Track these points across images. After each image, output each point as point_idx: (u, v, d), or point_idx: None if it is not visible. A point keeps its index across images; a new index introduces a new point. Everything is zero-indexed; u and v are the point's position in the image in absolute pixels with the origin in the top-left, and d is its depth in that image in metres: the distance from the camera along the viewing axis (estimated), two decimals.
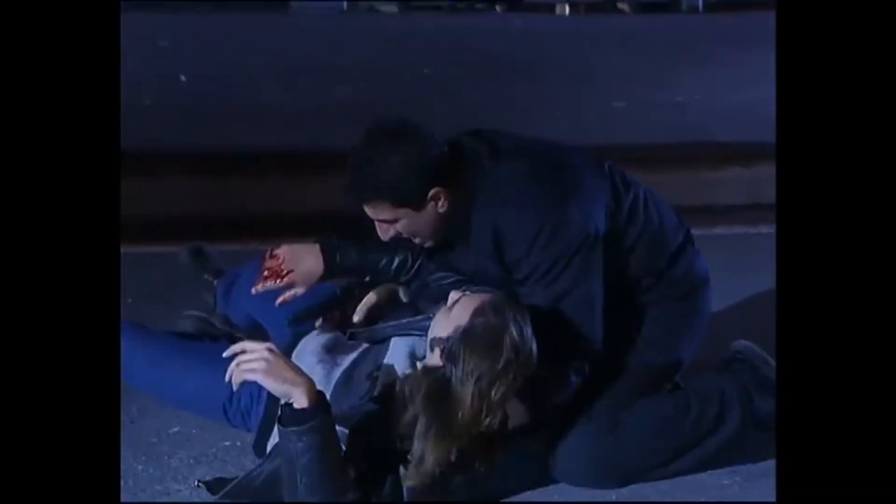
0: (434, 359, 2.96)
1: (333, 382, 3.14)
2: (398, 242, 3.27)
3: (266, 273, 3.38)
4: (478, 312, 2.92)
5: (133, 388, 3.46)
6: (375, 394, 3.01)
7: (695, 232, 3.46)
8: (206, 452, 3.34)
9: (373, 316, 3.38)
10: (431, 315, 3.08)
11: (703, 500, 3.15)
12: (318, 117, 6.43)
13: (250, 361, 2.83)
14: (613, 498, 3.17)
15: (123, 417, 3.45)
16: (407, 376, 2.94)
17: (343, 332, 3.34)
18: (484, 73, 7.38)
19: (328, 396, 2.92)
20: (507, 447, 2.95)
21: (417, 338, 3.13)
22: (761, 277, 4.10)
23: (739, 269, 4.47)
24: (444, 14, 9.95)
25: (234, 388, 2.88)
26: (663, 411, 3.24)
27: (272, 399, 3.13)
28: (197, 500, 3.09)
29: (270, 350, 2.86)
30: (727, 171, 6.04)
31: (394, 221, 3.16)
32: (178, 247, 4.27)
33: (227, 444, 3.37)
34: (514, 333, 2.88)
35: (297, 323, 3.37)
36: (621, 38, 9.20)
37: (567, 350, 3.04)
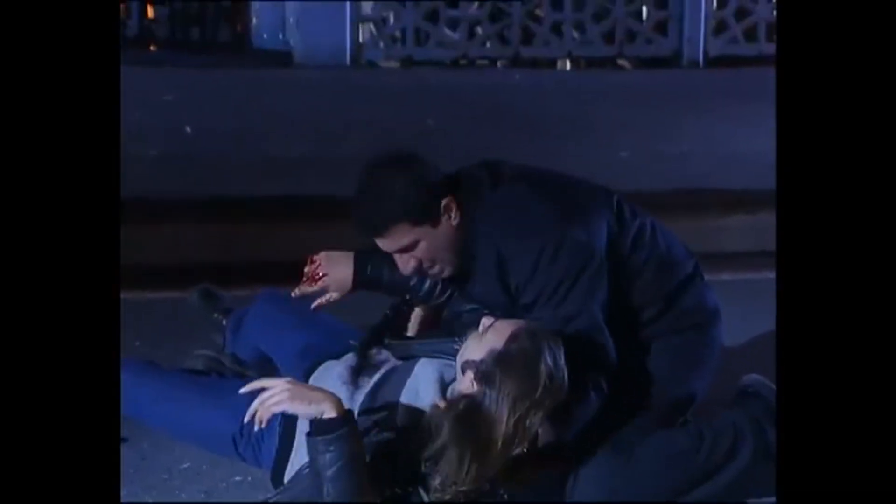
0: (465, 382, 2.96)
1: (358, 405, 3.14)
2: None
3: (305, 278, 3.46)
4: (513, 338, 2.93)
5: (144, 426, 3.47)
6: (398, 422, 3.00)
7: None
8: (217, 487, 3.35)
9: (424, 329, 3.40)
10: (460, 340, 3.08)
11: None
12: (323, 167, 6.45)
13: (273, 395, 2.87)
14: None
15: (134, 454, 3.46)
16: (434, 407, 2.93)
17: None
18: (487, 125, 7.40)
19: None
20: (533, 468, 2.95)
21: (445, 363, 3.13)
22: (768, 321, 4.11)
23: (746, 313, 4.47)
24: (445, 69, 10.02)
25: (260, 426, 2.89)
26: (677, 443, 3.24)
27: (287, 429, 3.14)
28: None
29: (289, 381, 2.91)
30: (732, 218, 6.05)
31: (414, 246, 3.16)
32: (185, 292, 4.31)
33: (237, 479, 3.37)
34: (549, 361, 2.89)
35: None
36: (623, 91, 9.25)
37: (584, 367, 3.05)
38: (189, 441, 3.46)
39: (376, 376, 3.23)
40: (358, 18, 9.93)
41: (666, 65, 10.37)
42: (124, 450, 3.47)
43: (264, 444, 3.29)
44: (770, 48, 10.30)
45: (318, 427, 2.82)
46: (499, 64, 10.49)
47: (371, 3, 10.08)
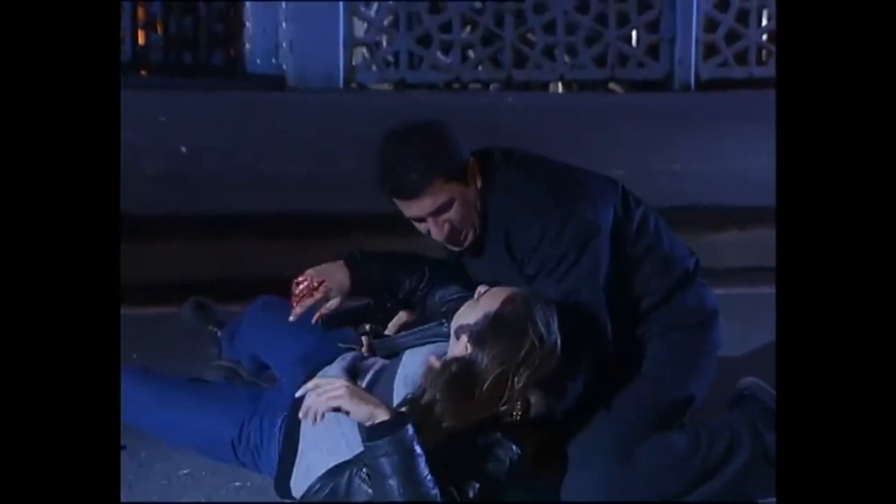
0: (458, 347, 3.00)
1: None
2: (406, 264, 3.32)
3: (297, 296, 3.42)
4: (507, 301, 2.99)
5: (143, 433, 3.47)
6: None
7: None
8: (217, 494, 3.36)
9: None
10: (445, 321, 3.12)
11: None
12: (317, 186, 6.48)
13: (332, 391, 2.90)
14: None
15: (133, 462, 3.47)
16: (428, 367, 2.98)
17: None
18: (480, 144, 7.43)
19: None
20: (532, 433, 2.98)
21: (434, 346, 3.16)
22: (764, 335, 4.14)
23: (741, 328, 4.49)
24: (438, 92, 10.04)
25: (314, 421, 2.92)
26: (674, 446, 3.26)
27: (290, 435, 3.15)
28: None
29: (346, 383, 2.97)
30: (725, 234, 6.08)
31: (450, 206, 3.17)
32: (181, 306, 4.33)
33: (237, 484, 3.38)
34: (540, 323, 2.95)
35: (327, 328, 3.39)
36: (616, 113, 9.29)
37: (580, 343, 3.07)
38: (188, 447, 3.47)
39: (368, 377, 3.25)
40: (351, 42, 9.97)
41: (658, 88, 10.41)
42: (123, 457, 3.47)
43: (263, 450, 3.29)
44: (761, 71, 10.36)
45: (377, 431, 2.85)
46: (491, 87, 10.52)
47: (364, 27, 10.12)
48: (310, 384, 2.98)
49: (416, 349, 3.20)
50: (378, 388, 3.17)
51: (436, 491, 2.84)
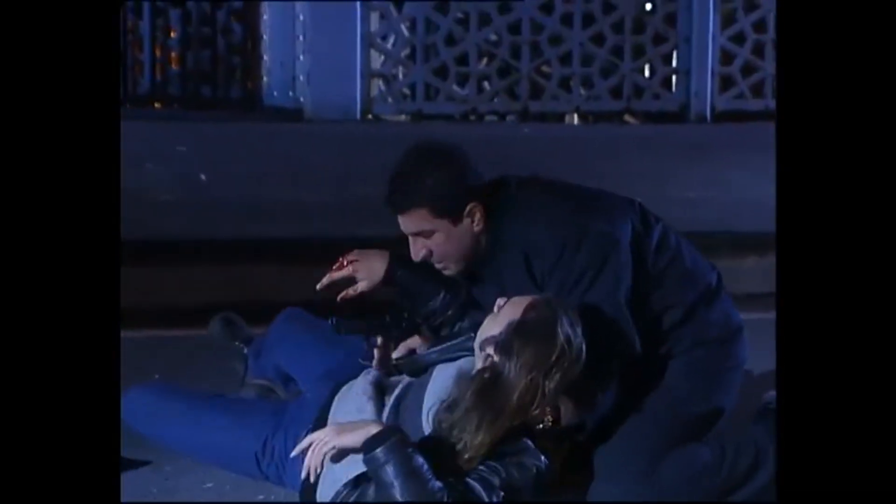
0: (484, 360, 3.00)
1: (385, 419, 3.17)
2: (444, 283, 3.34)
3: (334, 268, 3.50)
4: (530, 307, 2.99)
5: (166, 448, 3.49)
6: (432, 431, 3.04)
7: None
8: None
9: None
10: (472, 335, 3.12)
11: None
12: (335, 212, 6.51)
13: (321, 440, 2.97)
14: None
15: (158, 476, 3.49)
16: (459, 378, 2.99)
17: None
18: (496, 174, 7.46)
19: None
20: (561, 444, 2.98)
21: (462, 360, 3.16)
22: None
23: (760, 352, 4.50)
24: (454, 123, 10.09)
25: (315, 476, 3.00)
26: (699, 460, 3.27)
27: None
28: None
29: (330, 427, 3.03)
30: (745, 259, 6.08)
31: (430, 235, 3.22)
32: (203, 329, 4.34)
33: (260, 498, 3.39)
34: (567, 325, 2.95)
35: (339, 330, 3.41)
36: (632, 143, 9.31)
37: (607, 354, 3.08)
38: (211, 461, 3.49)
39: (397, 391, 3.26)
40: (368, 74, 10.02)
41: (673, 119, 10.44)
42: (148, 472, 3.50)
43: (289, 463, 3.30)
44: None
45: (370, 443, 2.88)
46: (507, 118, 10.56)
47: (381, 59, 10.17)
48: (304, 443, 3.02)
49: (445, 366, 3.20)
50: (406, 403, 3.18)
51: (441, 493, 2.84)
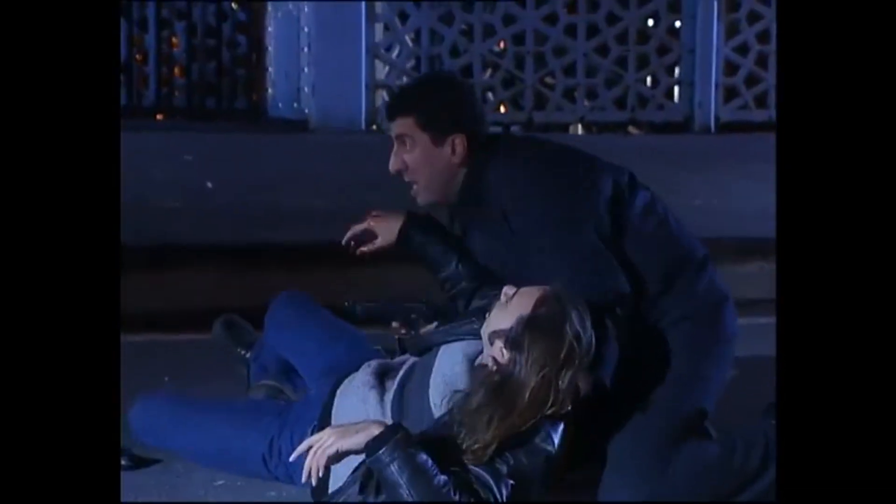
0: (494, 352, 3.01)
1: (388, 407, 3.18)
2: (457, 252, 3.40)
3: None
4: (540, 302, 2.99)
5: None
6: (446, 418, 3.04)
7: None
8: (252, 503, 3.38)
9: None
10: (475, 319, 3.14)
11: None
12: (339, 219, 6.52)
13: (323, 442, 2.95)
14: None
15: (169, 474, 3.51)
16: (474, 370, 3.00)
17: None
18: None
19: (387, 420, 3.02)
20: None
21: (466, 343, 3.18)
22: None
23: (765, 355, 4.51)
24: None
25: (316, 480, 2.99)
26: (710, 456, 3.27)
27: None
28: None
29: (330, 429, 3.01)
30: (750, 265, 6.10)
31: (410, 147, 3.32)
32: (208, 333, 4.35)
33: (272, 494, 3.41)
34: (576, 322, 2.95)
35: (355, 312, 3.46)
36: (637, 153, 9.28)
37: (596, 294, 3.11)
38: (218, 466, 3.50)
39: (399, 374, 3.28)
40: (373, 85, 10.05)
41: (678, 130, 10.45)
42: (159, 470, 3.51)
43: (297, 461, 3.31)
44: None
45: (374, 443, 2.88)
46: (512, 129, 10.58)
47: (386, 70, 10.20)
48: (302, 446, 3.01)
49: (450, 347, 3.21)
50: (411, 385, 3.20)
51: (448, 488, 2.85)
